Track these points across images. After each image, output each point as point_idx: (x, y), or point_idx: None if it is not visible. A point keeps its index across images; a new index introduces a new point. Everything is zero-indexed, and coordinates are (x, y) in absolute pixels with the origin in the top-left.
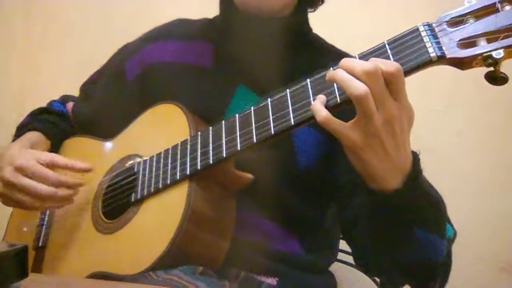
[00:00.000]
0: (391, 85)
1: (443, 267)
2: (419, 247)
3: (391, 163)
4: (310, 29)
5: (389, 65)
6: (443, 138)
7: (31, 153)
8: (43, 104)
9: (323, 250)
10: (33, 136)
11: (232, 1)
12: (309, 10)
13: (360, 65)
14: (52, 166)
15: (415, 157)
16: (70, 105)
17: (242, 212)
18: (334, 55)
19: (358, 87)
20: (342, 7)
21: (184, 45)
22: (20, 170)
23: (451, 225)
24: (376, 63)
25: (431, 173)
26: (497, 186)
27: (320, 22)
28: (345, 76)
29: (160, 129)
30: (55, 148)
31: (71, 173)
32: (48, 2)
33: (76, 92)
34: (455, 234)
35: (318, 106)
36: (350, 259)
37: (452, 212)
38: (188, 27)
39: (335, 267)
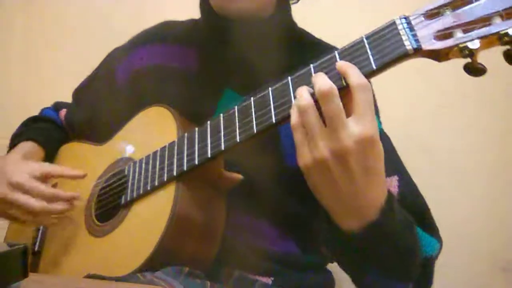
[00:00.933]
0: (349, 103)
1: None
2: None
3: (344, 204)
4: (295, 24)
5: (323, 84)
6: (442, 137)
7: (26, 167)
8: (43, 104)
9: (319, 249)
10: (27, 146)
11: (211, 6)
12: (291, 2)
13: (298, 100)
14: (46, 177)
15: (390, 202)
16: (63, 112)
17: (236, 212)
18: (321, 49)
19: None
20: (336, 5)
21: (170, 49)
22: (16, 186)
23: (438, 238)
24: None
25: (430, 172)
26: (497, 186)
27: (315, 21)
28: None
29: (151, 132)
30: (50, 155)
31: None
32: (48, 2)
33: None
34: (440, 248)
35: (302, 89)
36: None
37: (452, 211)
38: (173, 30)
39: (335, 267)
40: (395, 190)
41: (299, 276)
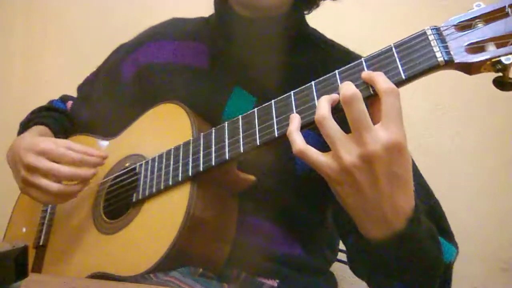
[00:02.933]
0: (378, 112)
1: None
2: None
3: (370, 212)
4: (307, 25)
5: (347, 90)
6: (443, 138)
7: (50, 139)
8: (44, 103)
9: (324, 251)
10: (41, 129)
11: (226, 1)
12: (305, 12)
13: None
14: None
15: (417, 212)
16: (69, 104)
17: (244, 214)
18: (334, 51)
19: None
20: (342, 11)
21: (179, 45)
22: (43, 153)
23: (454, 243)
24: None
25: (431, 173)
26: (497, 186)
27: (321, 26)
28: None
29: (163, 129)
30: None
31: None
32: (48, 2)
33: (75, 93)
34: (457, 253)
35: (294, 135)
36: None
37: (452, 212)
38: (182, 27)
39: (335, 267)
40: None
41: (304, 279)
